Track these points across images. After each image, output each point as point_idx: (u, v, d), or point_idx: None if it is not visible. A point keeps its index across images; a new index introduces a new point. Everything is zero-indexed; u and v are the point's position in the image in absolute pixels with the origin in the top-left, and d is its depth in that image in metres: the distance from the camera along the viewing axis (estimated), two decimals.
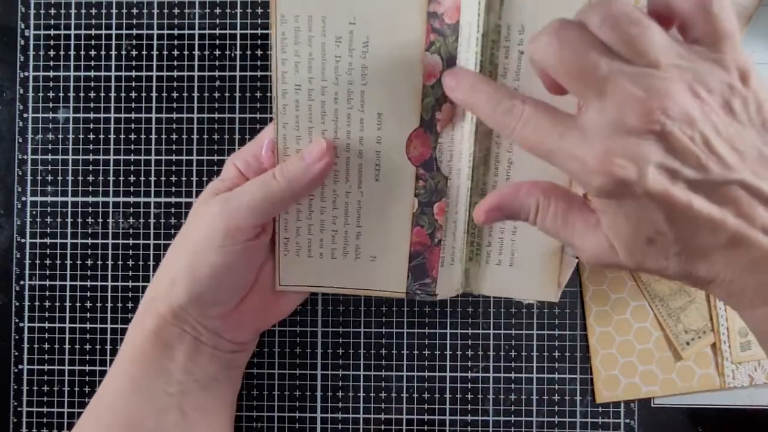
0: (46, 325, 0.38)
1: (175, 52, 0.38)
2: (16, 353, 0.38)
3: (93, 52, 0.38)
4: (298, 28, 0.29)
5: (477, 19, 0.29)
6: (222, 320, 0.32)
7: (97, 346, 0.38)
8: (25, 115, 0.38)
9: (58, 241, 0.38)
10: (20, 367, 0.38)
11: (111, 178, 0.38)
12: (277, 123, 0.31)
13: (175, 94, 0.38)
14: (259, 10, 0.38)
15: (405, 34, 0.28)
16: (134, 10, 0.38)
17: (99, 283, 0.38)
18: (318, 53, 0.29)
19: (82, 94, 0.38)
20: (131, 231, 0.38)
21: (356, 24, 0.28)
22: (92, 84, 0.38)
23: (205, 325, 0.31)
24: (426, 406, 0.37)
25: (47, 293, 0.38)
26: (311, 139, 0.31)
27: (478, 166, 0.32)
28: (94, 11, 0.38)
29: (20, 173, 0.38)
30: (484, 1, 0.29)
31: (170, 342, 0.31)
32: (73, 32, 0.38)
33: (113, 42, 0.38)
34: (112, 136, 0.38)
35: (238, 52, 0.38)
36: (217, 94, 0.38)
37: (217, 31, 0.38)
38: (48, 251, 0.38)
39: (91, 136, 0.38)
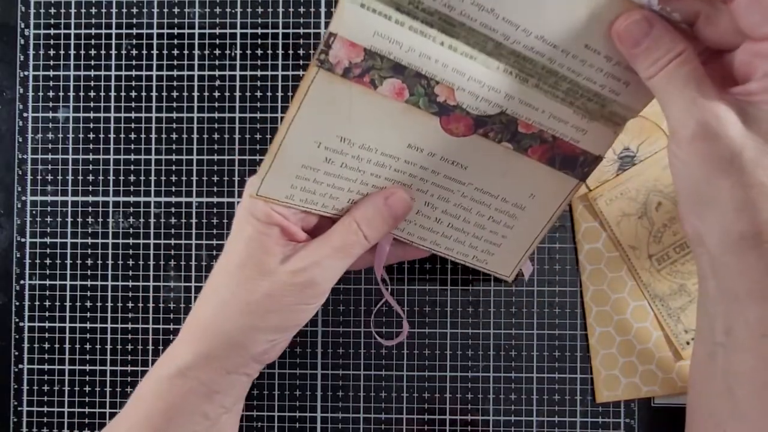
0: (46, 324, 0.38)
1: (175, 52, 0.38)
2: (16, 353, 0.38)
3: (93, 52, 0.38)
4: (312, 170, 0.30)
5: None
6: (276, 350, 0.32)
7: (97, 346, 0.38)
8: (25, 115, 0.38)
9: (58, 240, 0.38)
10: (20, 366, 0.38)
11: (111, 178, 0.38)
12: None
13: (175, 94, 0.38)
14: (259, 10, 0.38)
15: (379, 110, 0.29)
16: (134, 10, 0.38)
17: (99, 283, 0.38)
18: (326, 189, 0.30)
19: (82, 94, 0.38)
20: (131, 231, 0.38)
21: (346, 137, 0.29)
22: (92, 84, 0.38)
23: (260, 362, 0.31)
24: (426, 406, 0.37)
25: (47, 293, 0.38)
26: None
27: (524, 68, 0.30)
28: (94, 11, 0.38)
29: (20, 173, 0.38)
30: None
31: (219, 389, 0.30)
32: (73, 32, 0.38)
33: (113, 42, 0.38)
34: (112, 135, 0.38)
35: (238, 52, 0.38)
36: (217, 94, 0.38)
37: (217, 31, 0.38)
38: (48, 251, 0.38)
39: (91, 136, 0.38)
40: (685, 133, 0.25)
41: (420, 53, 0.29)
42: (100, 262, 0.38)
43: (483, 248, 0.34)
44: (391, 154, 0.30)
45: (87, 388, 0.38)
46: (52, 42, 0.38)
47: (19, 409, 0.38)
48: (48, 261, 0.38)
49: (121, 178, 0.38)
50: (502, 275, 0.35)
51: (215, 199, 0.38)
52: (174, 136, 0.38)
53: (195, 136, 0.38)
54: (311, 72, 0.28)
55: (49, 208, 0.38)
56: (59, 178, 0.38)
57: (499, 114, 0.30)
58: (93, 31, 0.38)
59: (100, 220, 0.38)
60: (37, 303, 0.38)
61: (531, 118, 0.30)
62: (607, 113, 0.31)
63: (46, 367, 0.38)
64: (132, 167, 0.38)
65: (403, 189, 0.31)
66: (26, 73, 0.38)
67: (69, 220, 0.38)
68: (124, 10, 0.38)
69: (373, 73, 0.28)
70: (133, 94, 0.38)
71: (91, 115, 0.38)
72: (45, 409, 0.38)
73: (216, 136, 0.38)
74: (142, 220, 0.38)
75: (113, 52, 0.38)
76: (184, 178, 0.38)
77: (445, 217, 0.33)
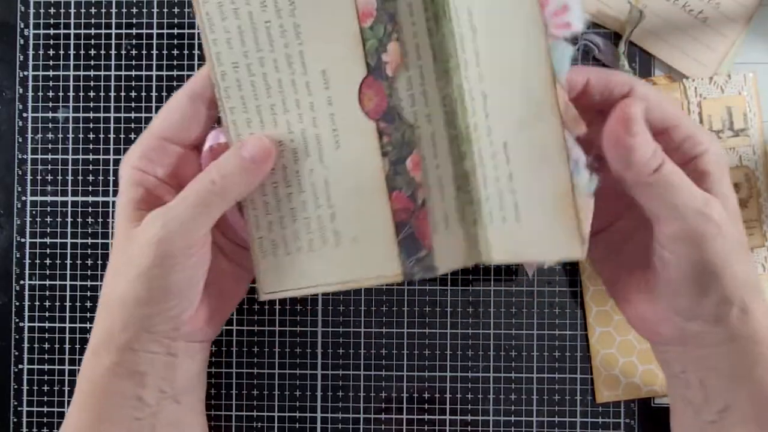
0: (46, 325, 0.38)
1: (175, 52, 0.38)
2: (16, 353, 0.38)
3: (93, 52, 0.38)
4: (221, 3, 0.27)
5: None
6: (190, 325, 0.30)
7: None
8: (24, 115, 0.38)
9: (58, 240, 0.38)
10: (20, 366, 0.38)
11: (111, 178, 0.38)
12: (224, 111, 0.29)
13: None
14: None
15: (339, 12, 0.27)
16: (134, 10, 0.38)
17: (99, 283, 0.38)
18: (247, 24, 0.28)
19: (81, 94, 0.38)
20: None
21: (295, 1, 0.27)
22: (92, 83, 0.38)
23: (174, 337, 0.30)
24: (426, 406, 0.37)
25: (47, 293, 0.38)
26: (262, 119, 0.28)
27: (455, 110, 0.28)
28: (93, 10, 0.38)
29: (20, 173, 0.38)
30: None
31: (139, 369, 0.29)
32: (72, 32, 0.38)
33: (113, 42, 0.38)
34: (112, 135, 0.38)
35: None
36: None
37: None
38: (48, 251, 0.38)
39: (91, 136, 0.38)
40: (700, 229, 0.26)
41: (410, 6, 0.27)
42: (100, 262, 0.38)
43: (273, 239, 0.30)
44: (305, 62, 0.28)
45: None
46: (52, 42, 0.38)
47: (19, 409, 0.38)
48: (48, 261, 0.38)
49: None
50: (260, 290, 0.30)
51: None
52: None
53: None
54: None
55: (49, 208, 0.38)
56: (59, 178, 0.38)
57: (408, 126, 0.28)
58: (93, 31, 0.38)
59: (100, 220, 0.38)
60: (37, 303, 0.38)
61: (425, 161, 0.28)
62: (473, 235, 0.29)
63: (46, 367, 0.38)
64: None
65: (260, 135, 0.28)
66: (26, 73, 0.38)
67: (69, 220, 0.38)
68: (124, 10, 0.38)
69: None
70: (133, 94, 0.38)
71: (91, 115, 0.38)
72: (45, 409, 0.38)
73: None
74: None
75: (113, 52, 0.38)
76: None
77: (279, 172, 0.29)
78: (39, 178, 0.38)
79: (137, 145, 0.29)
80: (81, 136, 0.38)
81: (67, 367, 0.38)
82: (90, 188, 0.38)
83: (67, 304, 0.38)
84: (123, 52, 0.38)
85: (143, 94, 0.38)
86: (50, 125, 0.38)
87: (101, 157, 0.38)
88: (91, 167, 0.38)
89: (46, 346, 0.38)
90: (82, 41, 0.38)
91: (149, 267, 0.27)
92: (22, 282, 0.38)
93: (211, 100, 0.29)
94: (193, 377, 0.32)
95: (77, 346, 0.38)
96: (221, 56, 0.28)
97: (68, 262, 0.38)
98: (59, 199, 0.38)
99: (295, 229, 0.29)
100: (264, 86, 0.28)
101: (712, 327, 0.27)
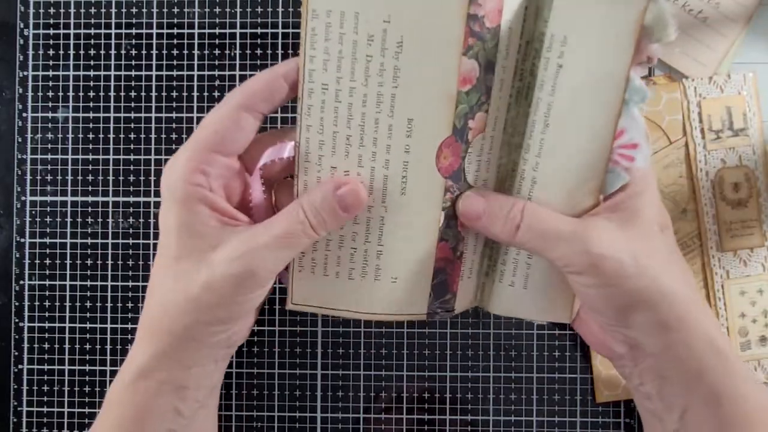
0: (46, 325, 0.38)
1: (175, 52, 0.38)
2: (16, 353, 0.38)
3: (93, 52, 0.38)
4: (330, 24, 0.27)
5: (520, 24, 0.28)
6: (240, 335, 0.31)
7: (97, 346, 0.38)
8: (24, 115, 0.38)
9: (58, 240, 0.38)
10: (20, 367, 0.38)
11: (111, 178, 0.38)
12: (299, 126, 0.28)
13: (174, 94, 0.38)
14: (259, 9, 0.38)
15: (442, 36, 0.27)
16: (134, 10, 0.38)
17: (99, 283, 0.38)
18: (349, 52, 0.27)
19: (81, 94, 0.38)
20: (131, 231, 0.38)
21: (390, 23, 0.27)
22: (92, 83, 0.38)
23: (227, 349, 0.30)
24: (426, 406, 0.37)
25: (47, 293, 0.38)
26: (335, 145, 0.28)
27: (504, 179, 0.30)
28: (93, 10, 0.38)
29: (20, 173, 0.38)
30: (533, 5, 0.27)
31: (186, 384, 0.29)
32: (72, 31, 0.38)
33: (113, 41, 0.38)
34: (111, 135, 0.38)
35: (238, 52, 0.38)
36: (216, 94, 0.38)
37: (217, 31, 0.38)
38: (48, 251, 0.38)
39: (91, 136, 0.38)
40: (607, 266, 0.27)
41: (502, 81, 0.28)
42: (100, 262, 0.38)
43: (314, 258, 0.30)
44: (394, 105, 0.28)
45: (87, 388, 0.38)
46: (51, 42, 0.38)
47: (19, 409, 0.38)
48: (48, 261, 0.38)
49: (121, 178, 0.38)
50: (289, 299, 0.31)
51: None
52: (173, 136, 0.38)
53: None
54: None
55: (48, 208, 0.38)
56: (59, 178, 0.38)
57: (468, 187, 0.29)
58: (93, 31, 0.38)
59: (100, 220, 0.38)
60: (37, 303, 0.38)
61: None
62: (481, 283, 0.32)
63: (46, 367, 0.38)
64: (132, 167, 0.38)
65: (357, 182, 0.28)
66: (26, 73, 0.38)
67: (69, 220, 0.38)
68: (124, 10, 0.38)
69: (477, 47, 0.27)
70: (133, 94, 0.38)
71: (91, 115, 0.38)
72: (45, 409, 0.38)
73: None
74: (142, 220, 0.38)
75: (113, 52, 0.38)
76: None
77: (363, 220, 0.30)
78: (39, 178, 0.38)
79: (185, 158, 0.28)
80: (81, 136, 0.38)
81: (66, 367, 0.38)
82: (90, 188, 0.38)
83: (67, 304, 0.38)
84: (123, 52, 0.38)
85: (143, 94, 0.38)
86: (50, 125, 0.38)
87: (101, 157, 0.38)
88: (91, 167, 0.38)
89: (46, 346, 0.38)
90: (82, 41, 0.38)
91: (233, 297, 0.27)
92: (21, 282, 0.38)
93: (262, 113, 0.29)
94: (220, 380, 0.32)
95: (77, 346, 0.38)
96: (314, 74, 0.28)
97: (68, 262, 0.38)
98: (59, 199, 0.38)
99: (338, 255, 0.30)
100: (347, 116, 0.28)
101: (645, 338, 0.28)
